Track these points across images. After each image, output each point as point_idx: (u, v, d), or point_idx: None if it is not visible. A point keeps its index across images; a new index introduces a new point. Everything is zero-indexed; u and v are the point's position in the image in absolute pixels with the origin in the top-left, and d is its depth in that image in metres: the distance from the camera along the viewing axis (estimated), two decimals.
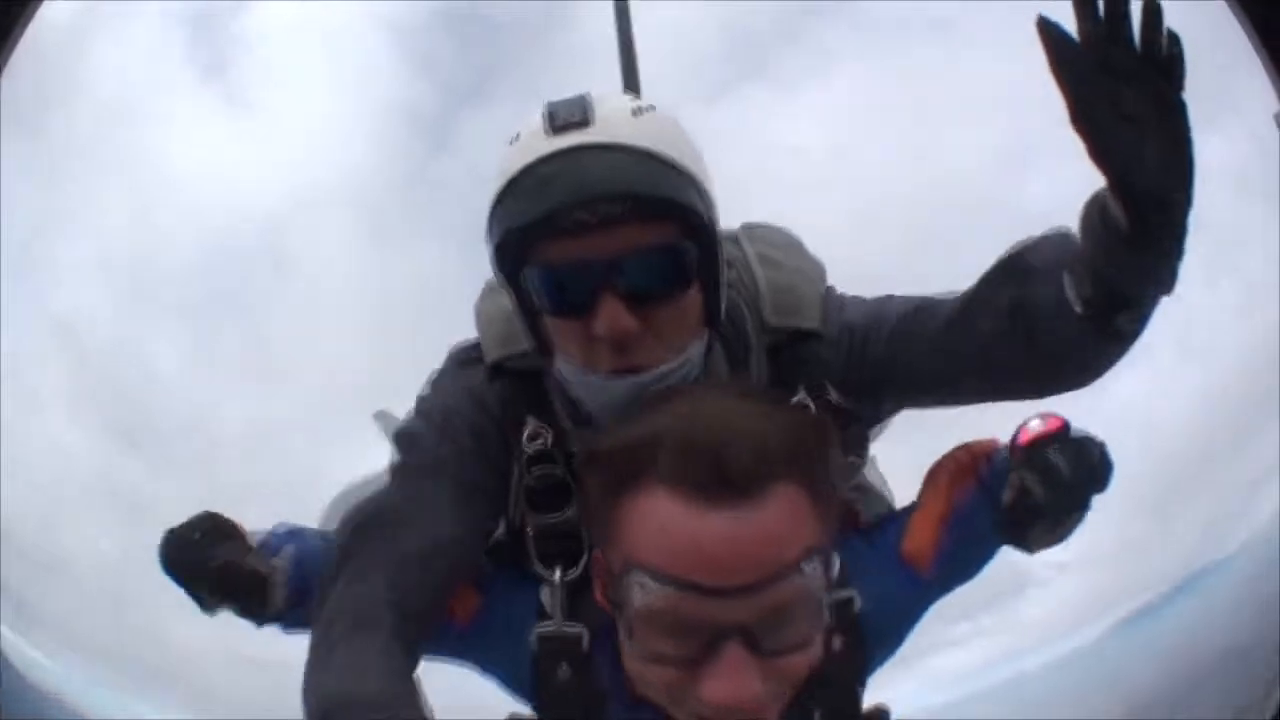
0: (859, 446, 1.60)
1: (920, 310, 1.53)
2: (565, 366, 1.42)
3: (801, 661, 1.15)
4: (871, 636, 1.44)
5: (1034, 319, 1.40)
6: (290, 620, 1.58)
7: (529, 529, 1.50)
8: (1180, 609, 3.47)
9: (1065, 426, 1.43)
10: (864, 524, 1.57)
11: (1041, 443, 1.41)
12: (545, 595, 1.46)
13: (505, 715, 1.50)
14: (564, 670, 1.42)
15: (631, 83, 2.16)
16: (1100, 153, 1.23)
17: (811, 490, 1.12)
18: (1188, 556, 3.52)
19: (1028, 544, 1.45)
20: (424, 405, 1.59)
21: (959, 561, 1.51)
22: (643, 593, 1.10)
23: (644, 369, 1.36)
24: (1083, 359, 1.42)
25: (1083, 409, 1.50)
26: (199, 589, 1.55)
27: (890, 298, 1.59)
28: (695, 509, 1.07)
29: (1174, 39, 1.18)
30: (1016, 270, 1.46)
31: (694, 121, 1.45)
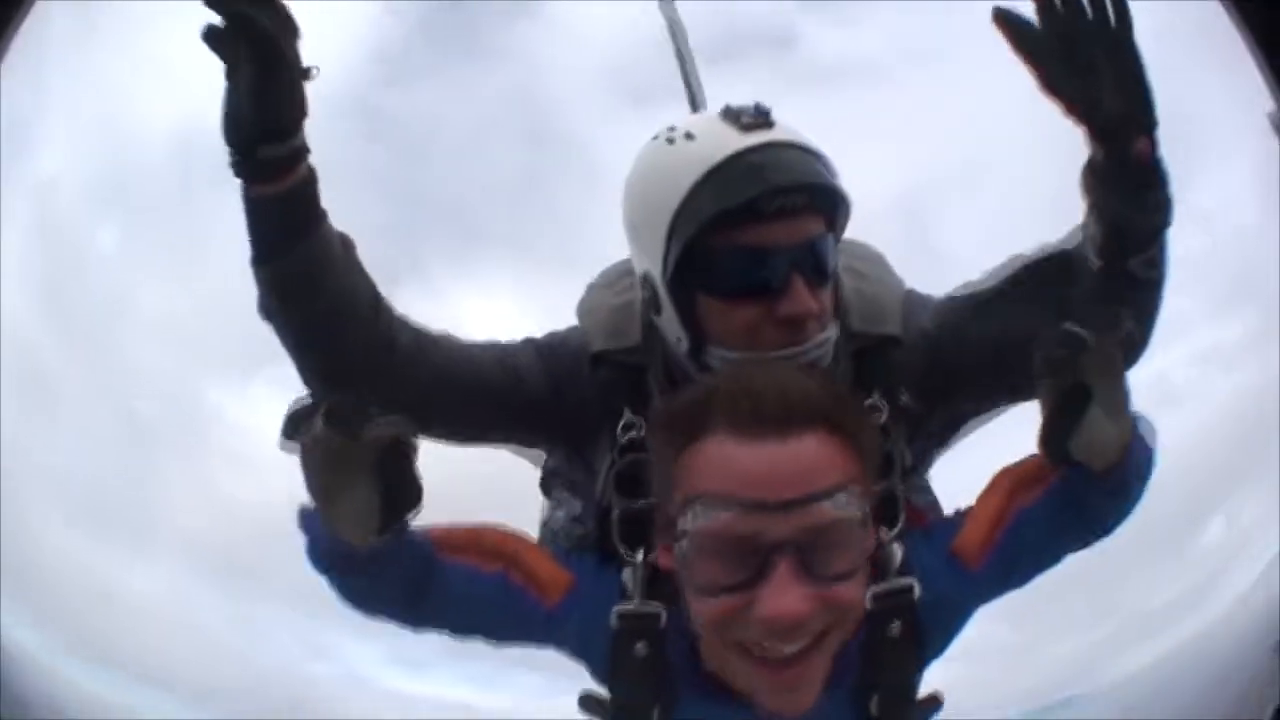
0: (923, 452, 1.72)
1: (979, 307, 1.66)
2: (720, 350, 1.53)
3: (848, 593, 1.27)
4: (926, 625, 1.50)
5: (1066, 288, 1.53)
6: None
7: (615, 512, 1.56)
8: None
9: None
10: (928, 525, 1.66)
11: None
12: (627, 576, 1.52)
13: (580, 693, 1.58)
14: (640, 647, 1.48)
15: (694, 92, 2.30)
16: (1068, 104, 1.42)
17: (843, 442, 1.28)
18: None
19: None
20: (533, 342, 1.71)
21: (1013, 563, 1.54)
22: (701, 518, 1.25)
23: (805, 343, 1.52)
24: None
25: None
26: None
27: (954, 299, 1.72)
28: (743, 442, 1.24)
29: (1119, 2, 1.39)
30: (1042, 258, 1.62)
31: None
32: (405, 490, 1.31)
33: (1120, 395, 1.36)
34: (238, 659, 3.04)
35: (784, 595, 1.23)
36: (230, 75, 1.34)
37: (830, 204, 1.54)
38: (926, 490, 1.82)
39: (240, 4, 1.30)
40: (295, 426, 1.24)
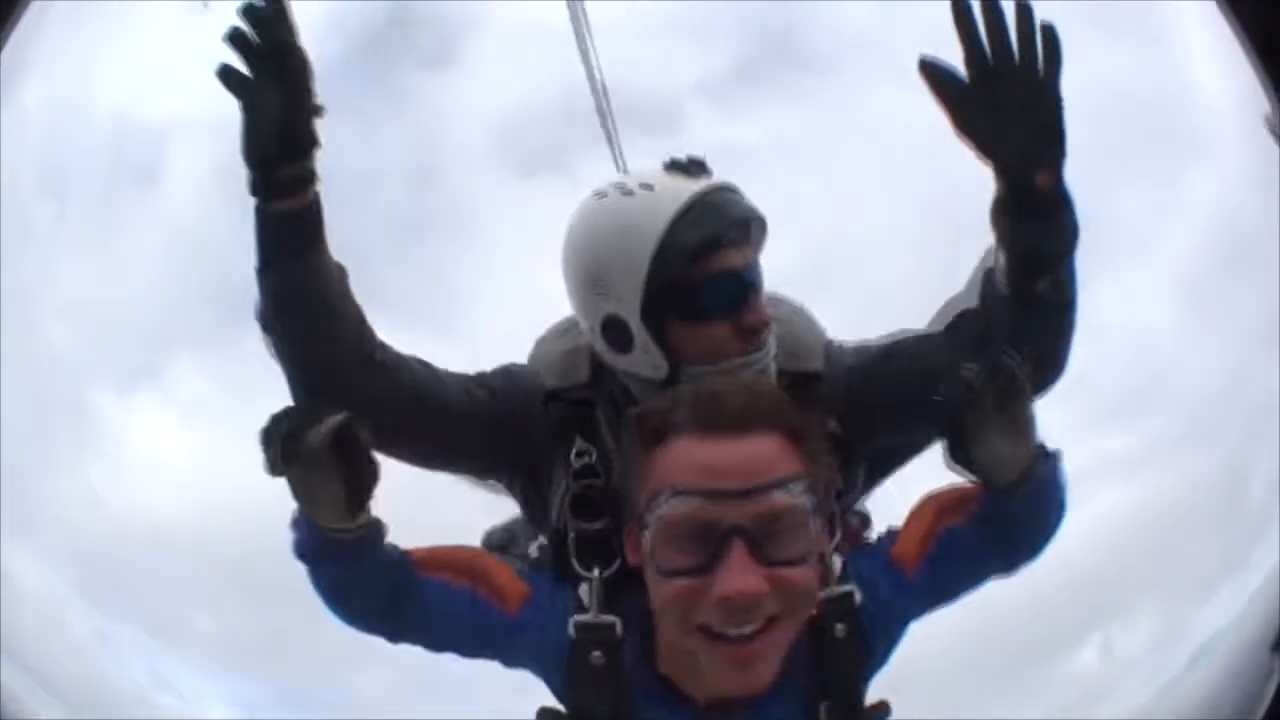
0: (852, 476, 1.91)
1: (896, 348, 1.90)
2: (696, 368, 1.75)
3: (798, 576, 1.44)
4: (869, 628, 1.69)
5: (981, 318, 1.72)
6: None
7: (571, 534, 1.76)
8: None
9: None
10: (865, 542, 1.89)
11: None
12: (583, 591, 1.69)
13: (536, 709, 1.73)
14: (597, 657, 1.65)
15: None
16: (977, 144, 1.55)
17: (794, 442, 1.46)
18: None
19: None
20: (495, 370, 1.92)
21: (942, 575, 1.72)
22: (667, 507, 1.43)
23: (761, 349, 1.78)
24: (1031, 342, 1.58)
25: None
26: None
27: (875, 342, 1.94)
28: (704, 440, 1.44)
29: (1050, 36, 1.47)
30: (958, 296, 1.83)
31: None
32: (363, 473, 1.50)
33: (1018, 421, 1.54)
34: (93, 670, 3.07)
35: (738, 574, 1.40)
36: (248, 109, 1.51)
37: (762, 233, 1.83)
38: (865, 520, 2.06)
39: (266, 52, 1.48)
40: (268, 446, 1.44)
